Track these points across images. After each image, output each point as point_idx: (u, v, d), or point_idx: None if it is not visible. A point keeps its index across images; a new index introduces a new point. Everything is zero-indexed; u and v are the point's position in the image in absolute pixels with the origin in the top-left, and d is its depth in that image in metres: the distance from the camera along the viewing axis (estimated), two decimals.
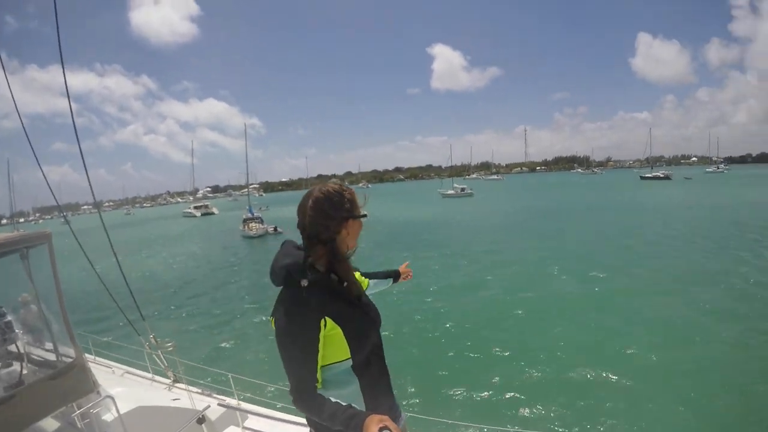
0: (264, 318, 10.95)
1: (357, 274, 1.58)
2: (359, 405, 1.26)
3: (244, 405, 3.60)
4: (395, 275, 2.00)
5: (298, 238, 1.31)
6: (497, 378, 7.30)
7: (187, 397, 3.58)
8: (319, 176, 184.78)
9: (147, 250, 29.21)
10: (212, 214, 61.18)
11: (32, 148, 3.73)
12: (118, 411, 2.71)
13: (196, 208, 62.74)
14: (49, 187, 3.78)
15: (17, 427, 2.61)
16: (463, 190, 62.37)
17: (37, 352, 3.22)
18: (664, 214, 27.41)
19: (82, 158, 3.78)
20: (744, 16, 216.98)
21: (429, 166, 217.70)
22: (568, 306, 10.75)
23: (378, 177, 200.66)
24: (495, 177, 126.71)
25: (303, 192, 1.30)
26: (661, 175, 74.45)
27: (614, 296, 11.29)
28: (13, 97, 3.56)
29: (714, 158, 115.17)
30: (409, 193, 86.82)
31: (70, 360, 3.06)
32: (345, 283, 1.31)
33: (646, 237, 19.56)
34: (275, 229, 32.70)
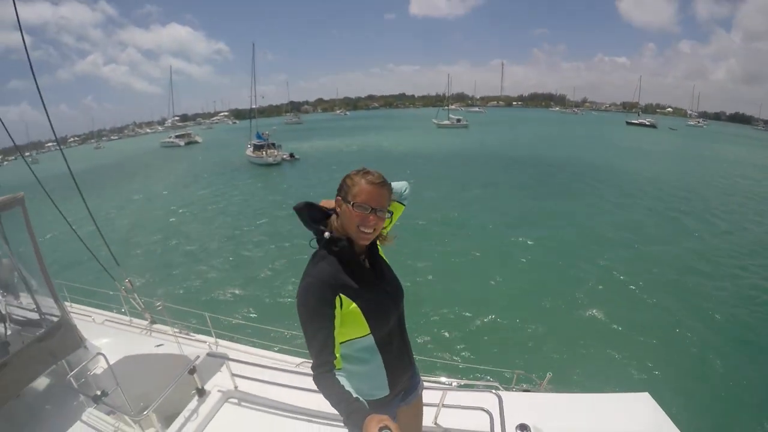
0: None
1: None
2: (381, 379, 1.36)
3: (231, 348, 3.64)
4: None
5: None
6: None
7: (171, 343, 3.60)
8: (291, 103, 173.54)
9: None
10: (197, 142, 57.46)
11: None
12: (109, 365, 2.78)
13: (178, 137, 57.95)
14: (5, 128, 3.40)
15: (11, 391, 2.63)
16: (458, 120, 61.49)
17: (20, 313, 3.18)
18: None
19: (40, 94, 3.48)
20: None
21: (402, 95, 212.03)
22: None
23: (352, 104, 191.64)
24: (477, 109, 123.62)
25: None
26: (647, 123, 73.57)
27: None
28: None
29: (689, 111, 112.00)
30: (401, 121, 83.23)
31: (56, 319, 3.04)
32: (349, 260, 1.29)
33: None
34: (291, 155, 30.27)
